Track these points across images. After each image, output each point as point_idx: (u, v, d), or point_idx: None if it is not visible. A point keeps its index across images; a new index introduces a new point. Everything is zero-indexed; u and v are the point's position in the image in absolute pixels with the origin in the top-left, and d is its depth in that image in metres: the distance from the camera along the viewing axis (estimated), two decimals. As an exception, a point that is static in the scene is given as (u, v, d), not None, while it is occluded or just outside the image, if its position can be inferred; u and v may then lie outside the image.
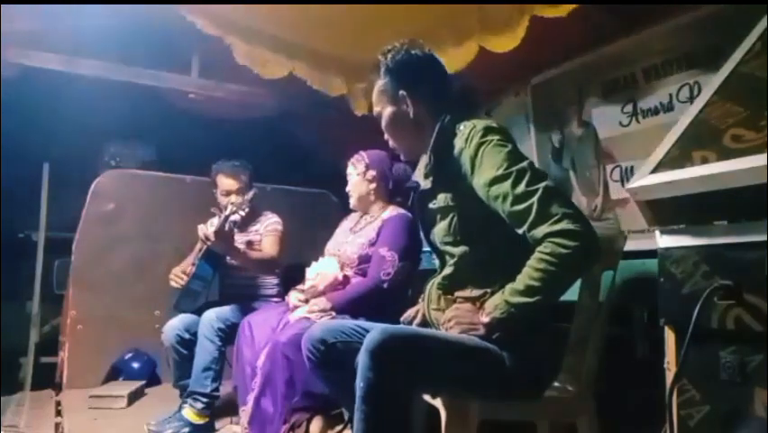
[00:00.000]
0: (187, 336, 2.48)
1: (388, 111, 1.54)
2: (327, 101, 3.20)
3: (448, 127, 1.46)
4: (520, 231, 1.30)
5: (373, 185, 2.33)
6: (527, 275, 1.27)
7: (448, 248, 1.49)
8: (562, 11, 2.07)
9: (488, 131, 1.38)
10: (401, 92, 1.51)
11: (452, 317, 1.39)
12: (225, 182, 2.69)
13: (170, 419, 2.37)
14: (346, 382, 1.32)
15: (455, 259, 1.47)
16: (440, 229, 1.49)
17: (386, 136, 1.59)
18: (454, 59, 2.48)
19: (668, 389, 1.05)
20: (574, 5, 2.04)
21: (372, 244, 2.21)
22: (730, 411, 0.97)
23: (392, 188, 2.34)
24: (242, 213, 2.50)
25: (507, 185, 1.30)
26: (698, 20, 2.08)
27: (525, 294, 1.27)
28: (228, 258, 2.62)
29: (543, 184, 1.28)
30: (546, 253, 1.24)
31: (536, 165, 1.37)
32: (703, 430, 1.00)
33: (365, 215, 2.38)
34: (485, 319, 1.33)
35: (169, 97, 3.36)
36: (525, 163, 1.33)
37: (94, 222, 3.30)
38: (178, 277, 2.53)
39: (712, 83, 1.21)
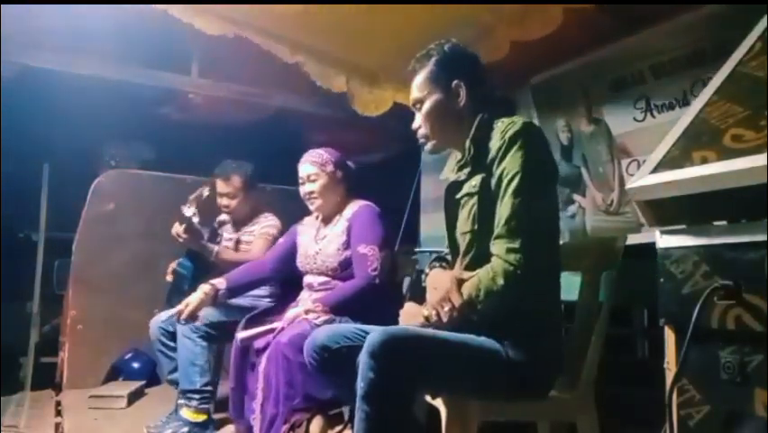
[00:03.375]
0: (171, 328, 2.47)
1: (434, 98, 1.52)
2: (327, 100, 3.20)
3: (487, 121, 1.47)
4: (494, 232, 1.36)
5: (342, 185, 2.24)
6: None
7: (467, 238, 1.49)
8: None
9: (523, 132, 1.38)
10: (455, 81, 1.51)
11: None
12: (218, 185, 2.70)
13: (169, 420, 2.37)
14: (351, 384, 1.31)
15: (471, 252, 1.46)
16: (461, 220, 1.50)
17: (417, 124, 1.56)
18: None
19: (668, 389, 1.05)
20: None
21: (347, 246, 2.14)
22: (730, 411, 0.97)
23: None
24: (195, 209, 2.52)
25: (512, 188, 1.33)
26: (702, 18, 2.08)
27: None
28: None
29: (536, 214, 1.33)
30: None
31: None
32: (703, 430, 1.00)
33: (324, 218, 2.29)
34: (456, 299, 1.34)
35: (168, 97, 3.36)
36: (539, 183, 1.37)
37: (94, 222, 3.31)
38: (173, 272, 2.59)
39: (712, 83, 1.20)
